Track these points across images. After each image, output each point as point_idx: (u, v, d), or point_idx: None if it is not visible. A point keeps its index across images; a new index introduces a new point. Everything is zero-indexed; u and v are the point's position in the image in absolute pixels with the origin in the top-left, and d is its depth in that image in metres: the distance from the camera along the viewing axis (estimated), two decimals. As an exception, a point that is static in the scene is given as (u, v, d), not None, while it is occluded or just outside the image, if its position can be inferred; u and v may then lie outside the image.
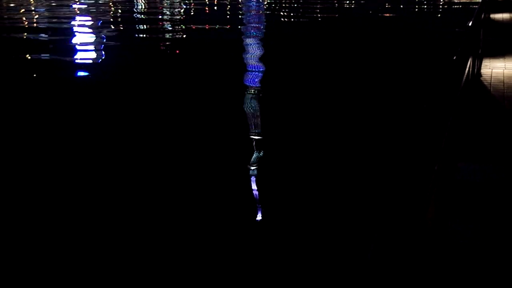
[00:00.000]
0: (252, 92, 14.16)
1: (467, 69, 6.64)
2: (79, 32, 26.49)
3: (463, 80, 6.09)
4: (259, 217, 7.08)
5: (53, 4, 40.75)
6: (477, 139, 6.68)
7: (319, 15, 34.06)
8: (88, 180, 8.15)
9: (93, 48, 21.63)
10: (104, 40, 23.83)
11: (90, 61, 19.00)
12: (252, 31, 26.75)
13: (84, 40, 23.83)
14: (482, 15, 11.78)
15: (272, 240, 6.40)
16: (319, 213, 7.04)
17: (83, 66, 18.20)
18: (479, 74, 10.09)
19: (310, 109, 12.24)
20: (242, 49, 20.85)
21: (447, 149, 4.71)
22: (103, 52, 20.68)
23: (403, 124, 10.72)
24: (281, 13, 35.96)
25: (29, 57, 19.06)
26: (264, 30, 27.68)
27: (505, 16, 21.12)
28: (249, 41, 23.44)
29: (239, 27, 28.98)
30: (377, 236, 2.22)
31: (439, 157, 4.31)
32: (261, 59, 18.73)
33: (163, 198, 7.52)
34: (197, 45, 22.38)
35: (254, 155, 9.38)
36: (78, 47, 21.86)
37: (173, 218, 6.93)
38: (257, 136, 10.44)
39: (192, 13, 35.97)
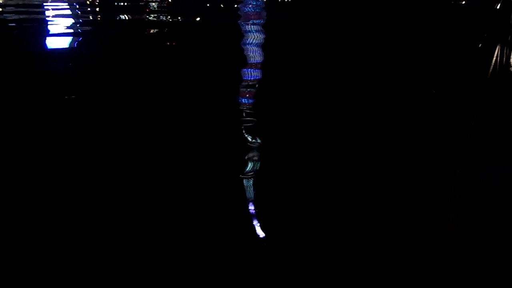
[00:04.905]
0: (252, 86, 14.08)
1: (494, 58, 6.52)
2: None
3: (490, 71, 5.96)
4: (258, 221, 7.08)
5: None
6: (506, 139, 6.57)
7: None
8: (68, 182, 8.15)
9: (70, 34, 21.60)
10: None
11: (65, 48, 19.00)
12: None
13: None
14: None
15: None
16: (332, 218, 7.02)
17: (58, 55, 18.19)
18: (508, 64, 9.95)
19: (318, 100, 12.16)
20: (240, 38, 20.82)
21: (472, 150, 4.62)
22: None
23: (421, 122, 10.60)
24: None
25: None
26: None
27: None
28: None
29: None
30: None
31: (462, 159, 4.22)
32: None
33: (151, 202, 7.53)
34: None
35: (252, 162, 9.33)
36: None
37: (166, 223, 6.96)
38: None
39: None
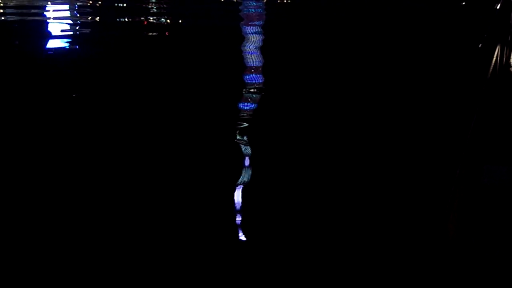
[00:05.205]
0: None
1: (494, 58, 6.52)
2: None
3: (490, 71, 5.96)
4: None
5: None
6: (506, 139, 6.56)
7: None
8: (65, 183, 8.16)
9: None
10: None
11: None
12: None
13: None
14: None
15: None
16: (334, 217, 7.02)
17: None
18: (508, 64, 9.94)
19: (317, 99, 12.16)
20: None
21: (472, 150, 4.62)
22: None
23: (421, 121, 10.61)
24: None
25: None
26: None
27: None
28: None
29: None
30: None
31: (462, 159, 4.22)
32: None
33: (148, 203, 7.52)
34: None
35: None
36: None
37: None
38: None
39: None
